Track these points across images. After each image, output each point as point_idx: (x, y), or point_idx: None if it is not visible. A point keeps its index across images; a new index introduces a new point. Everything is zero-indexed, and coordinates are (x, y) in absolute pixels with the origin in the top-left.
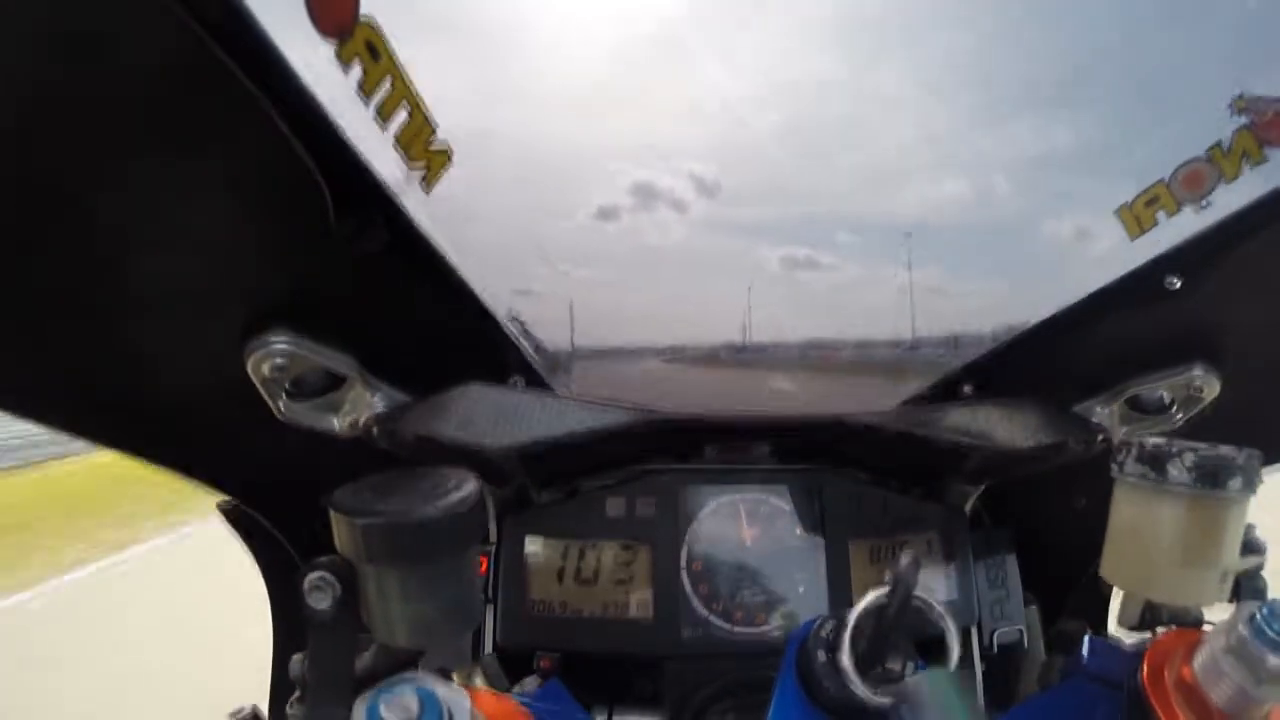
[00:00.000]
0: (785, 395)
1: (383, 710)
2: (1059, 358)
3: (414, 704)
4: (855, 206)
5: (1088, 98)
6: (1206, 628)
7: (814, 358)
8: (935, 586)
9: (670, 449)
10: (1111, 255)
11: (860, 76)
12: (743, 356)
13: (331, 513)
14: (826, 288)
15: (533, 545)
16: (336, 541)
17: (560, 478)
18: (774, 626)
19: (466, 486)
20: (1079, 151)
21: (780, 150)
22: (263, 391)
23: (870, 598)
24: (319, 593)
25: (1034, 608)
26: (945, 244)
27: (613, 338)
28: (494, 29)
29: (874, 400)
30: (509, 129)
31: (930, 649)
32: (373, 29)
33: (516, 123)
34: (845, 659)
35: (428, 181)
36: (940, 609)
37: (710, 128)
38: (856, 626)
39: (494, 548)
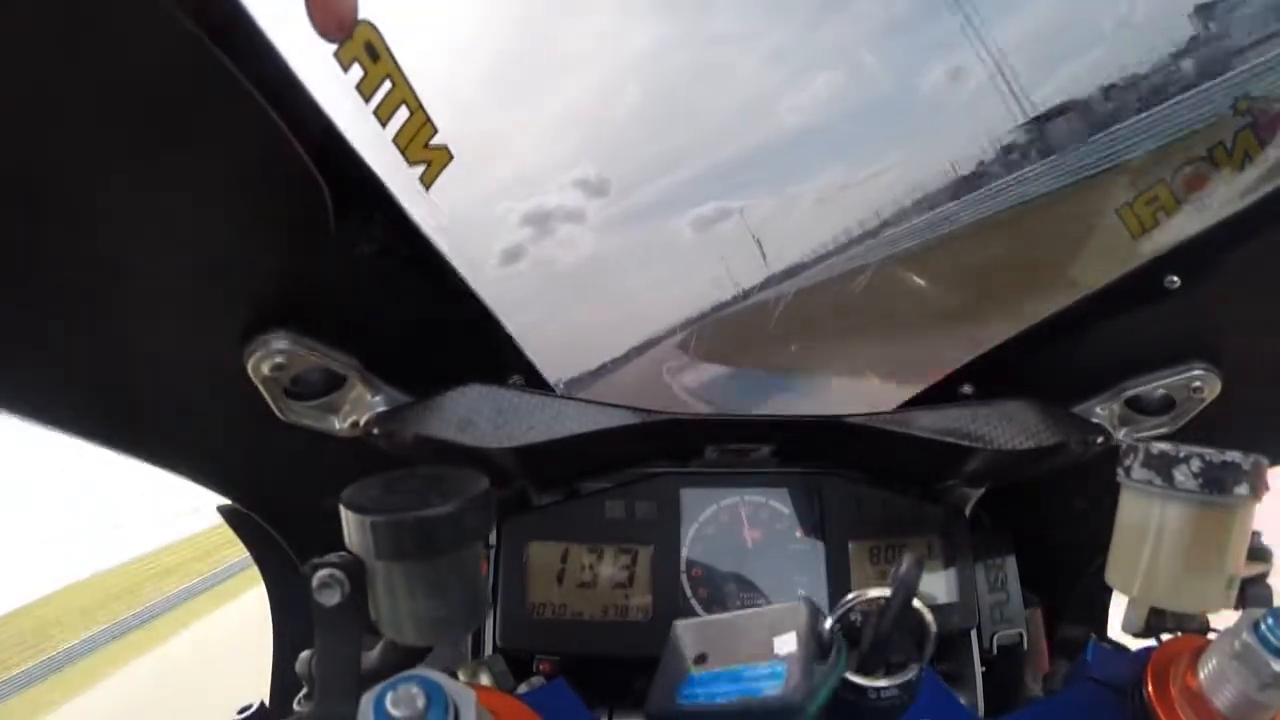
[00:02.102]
0: (784, 390)
1: (389, 705)
2: (1058, 358)
3: (420, 699)
4: (739, 143)
5: None
6: (1211, 635)
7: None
8: (935, 589)
9: (670, 451)
10: (986, 86)
11: (693, 24)
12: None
13: (341, 509)
14: (747, 229)
15: (532, 548)
16: (345, 538)
17: (560, 479)
18: None
19: (474, 484)
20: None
21: (646, 123)
22: (263, 391)
23: (853, 598)
24: (328, 589)
25: (1035, 609)
26: (835, 140)
27: (573, 368)
28: None
29: (874, 401)
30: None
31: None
32: (372, 30)
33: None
34: (798, 658)
35: (426, 181)
36: (890, 618)
37: (575, 131)
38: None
39: (494, 550)
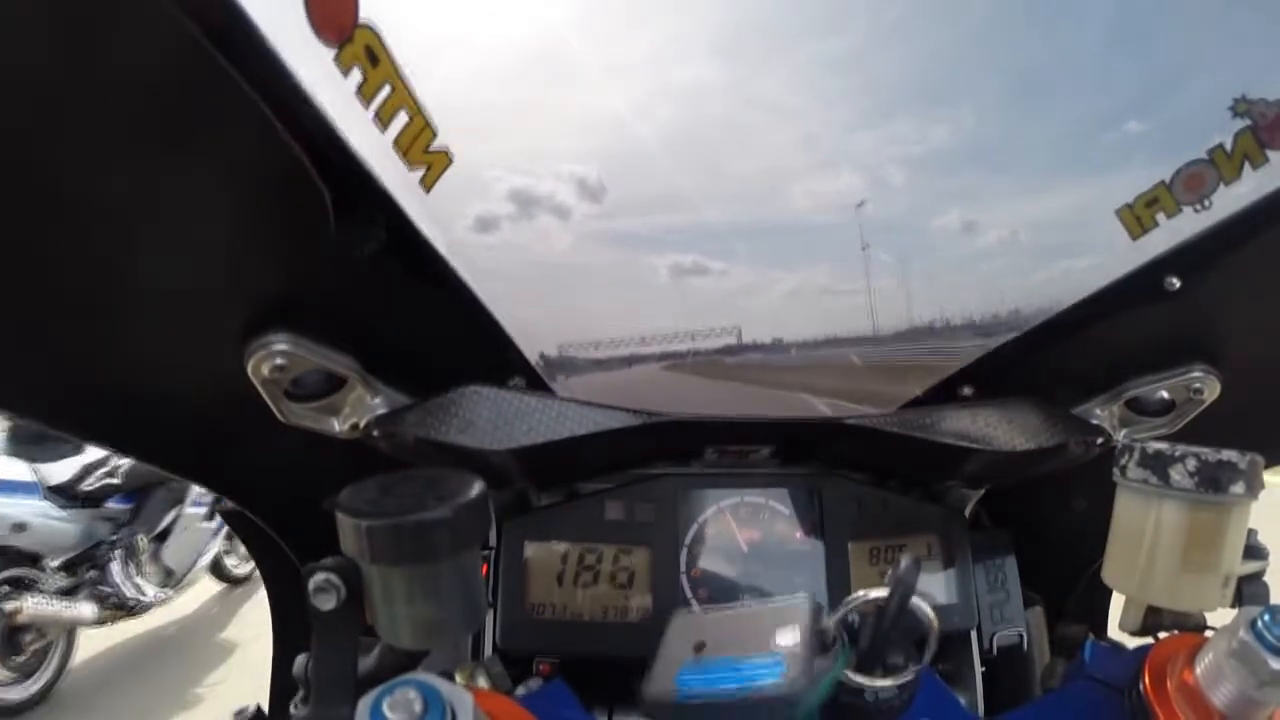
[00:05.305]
0: (784, 398)
1: (386, 709)
2: (1058, 359)
3: (417, 702)
4: (742, 208)
5: (956, 96)
6: (1208, 633)
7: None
8: (935, 589)
9: (670, 452)
10: (997, 247)
11: (742, 78)
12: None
13: (337, 514)
14: (717, 293)
15: (532, 548)
16: (341, 542)
17: (560, 481)
18: None
19: (471, 487)
20: (960, 147)
21: (662, 153)
22: (263, 393)
23: (856, 598)
24: (324, 593)
25: (1037, 609)
26: (832, 242)
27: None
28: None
29: (874, 402)
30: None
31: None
32: (372, 33)
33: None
34: (798, 652)
35: (426, 184)
36: (889, 618)
37: (592, 130)
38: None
39: (493, 551)
